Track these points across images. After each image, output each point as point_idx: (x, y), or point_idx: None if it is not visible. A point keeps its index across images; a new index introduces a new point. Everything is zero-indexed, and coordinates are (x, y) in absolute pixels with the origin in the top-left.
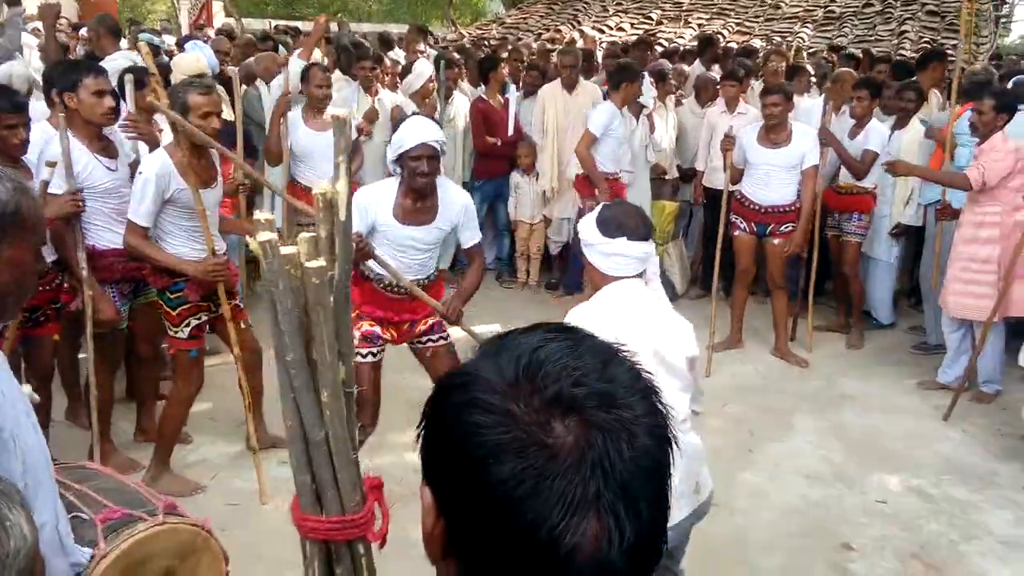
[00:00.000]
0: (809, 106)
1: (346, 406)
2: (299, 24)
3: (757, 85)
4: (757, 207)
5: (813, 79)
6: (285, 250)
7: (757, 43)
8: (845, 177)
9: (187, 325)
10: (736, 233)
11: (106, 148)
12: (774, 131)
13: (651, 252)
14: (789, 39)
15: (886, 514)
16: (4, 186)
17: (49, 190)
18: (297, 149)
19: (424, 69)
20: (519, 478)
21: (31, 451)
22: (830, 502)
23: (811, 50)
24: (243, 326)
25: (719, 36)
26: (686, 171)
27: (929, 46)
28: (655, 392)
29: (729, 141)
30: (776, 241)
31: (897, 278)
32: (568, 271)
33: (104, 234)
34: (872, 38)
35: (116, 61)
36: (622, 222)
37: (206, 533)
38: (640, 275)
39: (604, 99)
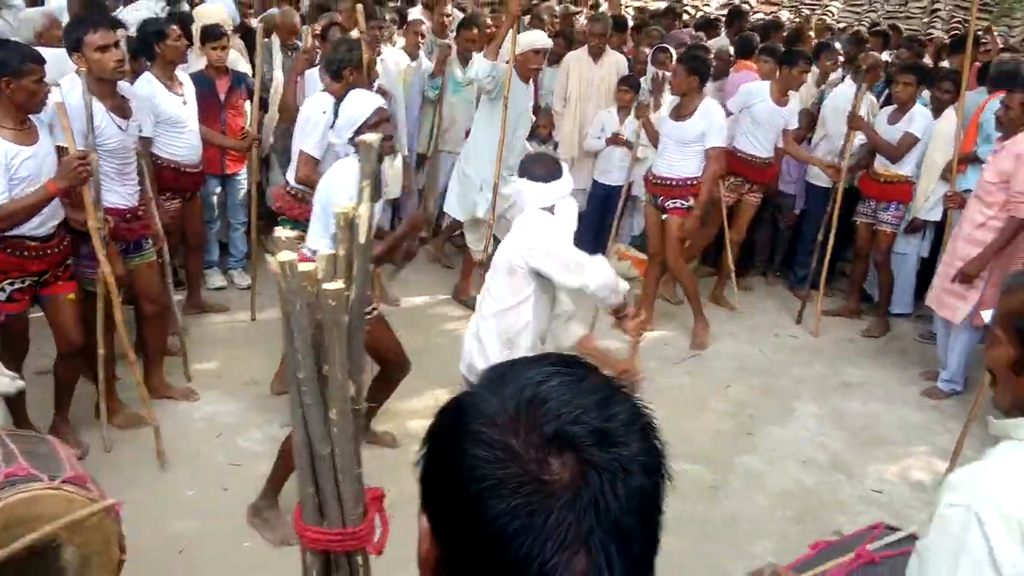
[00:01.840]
0: (839, 91)
1: (353, 422)
2: None
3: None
4: (652, 177)
5: (841, 58)
6: (303, 267)
7: (785, 15)
8: (884, 164)
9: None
10: (642, 203)
11: (120, 106)
12: (681, 104)
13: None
14: (818, 12)
15: (881, 503)
16: None
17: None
18: None
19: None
20: (514, 513)
21: None
22: (825, 489)
23: (841, 26)
24: None
25: (746, 6)
26: None
27: (961, 27)
28: (654, 429)
29: (643, 108)
30: (664, 217)
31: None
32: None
33: (105, 194)
34: (903, 15)
35: (139, 12)
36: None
37: (102, 513)
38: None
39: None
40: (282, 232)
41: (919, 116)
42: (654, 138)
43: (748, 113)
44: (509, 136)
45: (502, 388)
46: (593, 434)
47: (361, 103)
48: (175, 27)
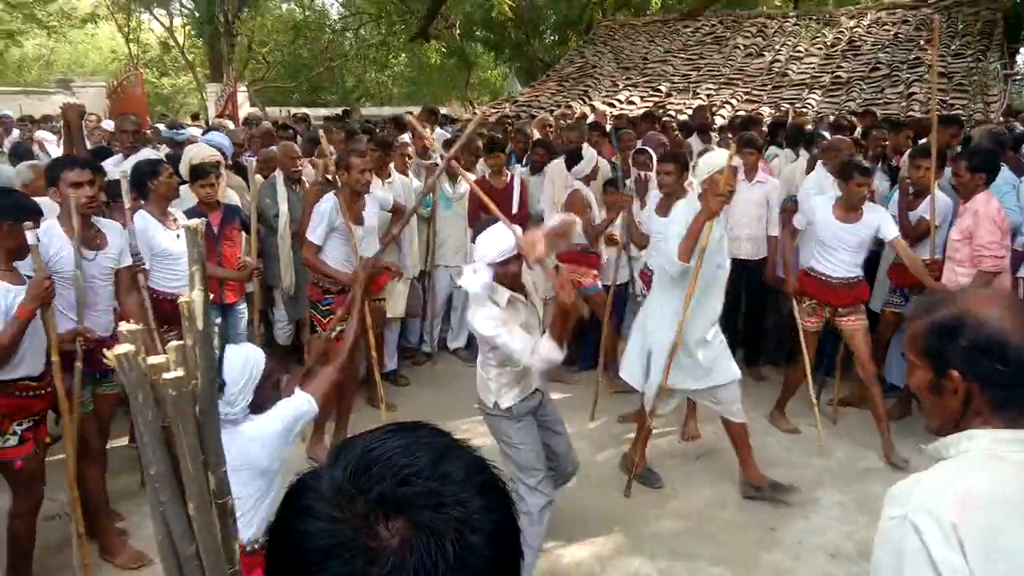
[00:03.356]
0: (811, 179)
1: (220, 518)
2: (308, 111)
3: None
4: (648, 272)
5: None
6: (152, 360)
7: (766, 111)
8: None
9: (335, 329)
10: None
11: (91, 238)
12: (665, 199)
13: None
14: (798, 106)
15: None
16: None
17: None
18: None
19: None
20: None
21: None
22: None
23: (820, 116)
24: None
25: (727, 105)
26: None
27: (939, 107)
28: (495, 485)
29: (624, 198)
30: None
31: None
32: (583, 346)
33: (66, 322)
34: (881, 101)
35: (143, 155)
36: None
37: None
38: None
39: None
40: (125, 326)
41: (938, 202)
42: (638, 237)
43: (812, 231)
44: (700, 294)
45: (336, 461)
46: (423, 495)
47: (252, 360)
48: (167, 166)
